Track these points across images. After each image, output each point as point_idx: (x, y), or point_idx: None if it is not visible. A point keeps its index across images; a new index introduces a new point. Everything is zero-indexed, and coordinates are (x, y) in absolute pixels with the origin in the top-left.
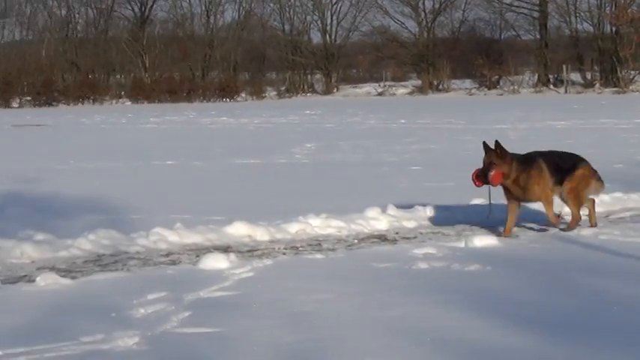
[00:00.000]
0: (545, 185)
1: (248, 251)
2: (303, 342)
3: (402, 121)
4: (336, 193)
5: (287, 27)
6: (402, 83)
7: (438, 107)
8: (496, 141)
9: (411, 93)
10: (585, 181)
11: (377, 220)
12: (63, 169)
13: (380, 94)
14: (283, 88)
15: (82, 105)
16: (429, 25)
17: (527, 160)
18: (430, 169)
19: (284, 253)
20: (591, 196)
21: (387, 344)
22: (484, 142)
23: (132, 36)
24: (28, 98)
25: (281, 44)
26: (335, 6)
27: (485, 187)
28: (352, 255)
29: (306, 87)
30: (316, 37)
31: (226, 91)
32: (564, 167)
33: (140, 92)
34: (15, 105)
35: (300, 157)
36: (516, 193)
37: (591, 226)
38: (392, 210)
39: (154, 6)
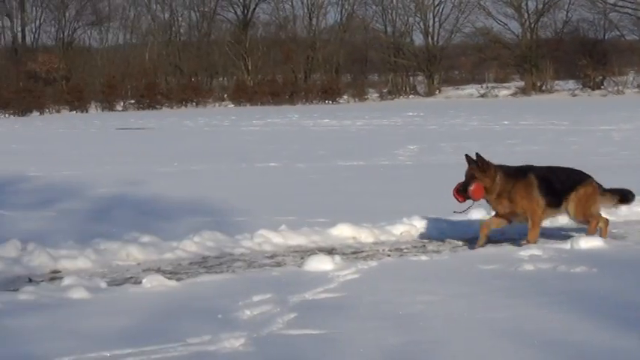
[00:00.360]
0: (533, 200)
1: (352, 253)
2: (408, 344)
3: (505, 122)
4: (439, 194)
5: (389, 29)
6: (505, 84)
7: (541, 108)
8: (477, 153)
9: (513, 94)
10: (590, 199)
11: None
12: (167, 171)
13: (482, 95)
14: (385, 90)
15: (185, 108)
16: (532, 25)
17: (516, 173)
18: None
19: (389, 255)
20: (603, 211)
21: (492, 346)
22: (466, 155)
23: (234, 39)
24: (132, 101)
25: (383, 46)
26: (437, 7)
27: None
28: (457, 257)
29: (408, 89)
30: (418, 39)
31: (328, 93)
32: (561, 188)
33: (243, 95)
34: (119, 108)
35: (403, 159)
36: (500, 210)
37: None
38: None
39: (257, 9)
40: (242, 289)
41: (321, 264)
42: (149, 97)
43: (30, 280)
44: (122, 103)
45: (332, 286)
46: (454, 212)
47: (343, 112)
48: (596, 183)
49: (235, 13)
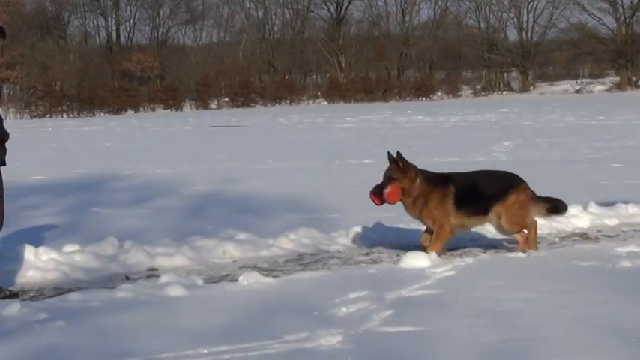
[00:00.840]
0: (445, 213)
1: (448, 250)
2: (506, 341)
3: (601, 117)
4: (535, 191)
5: (483, 25)
6: (600, 80)
7: (637, 104)
8: (397, 152)
9: (608, 89)
10: (521, 209)
11: (578, 218)
12: (262, 168)
13: (577, 91)
14: (479, 86)
15: (279, 105)
16: (627, 20)
17: (437, 181)
18: (631, 166)
19: (485, 252)
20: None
21: (592, 343)
22: (388, 153)
23: (328, 36)
24: (226, 99)
25: (477, 42)
26: (531, 3)
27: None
28: (554, 253)
29: (502, 85)
30: (512, 35)
31: (422, 89)
32: (489, 194)
33: (336, 92)
34: (213, 106)
35: (499, 155)
36: (414, 215)
37: (522, 248)
38: (593, 208)
39: (350, 6)
40: (338, 286)
41: (417, 261)
42: (243, 95)
43: (127, 278)
44: (216, 101)
45: (428, 282)
46: None
47: (437, 109)
48: (530, 190)
49: (329, 10)
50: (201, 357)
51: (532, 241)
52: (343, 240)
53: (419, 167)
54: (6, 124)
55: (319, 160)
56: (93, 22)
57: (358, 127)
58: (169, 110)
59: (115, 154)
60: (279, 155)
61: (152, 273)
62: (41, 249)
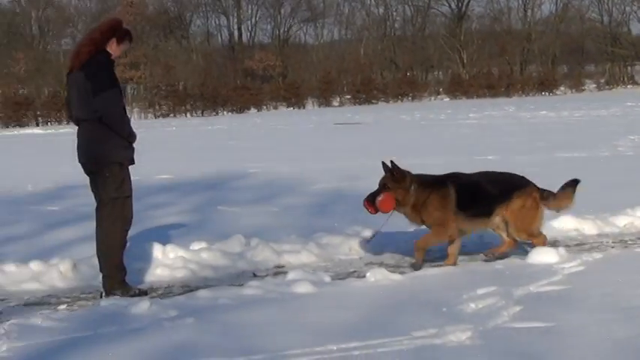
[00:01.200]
0: (446, 214)
1: (576, 245)
2: (638, 337)
3: None
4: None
5: (605, 18)
6: None
7: None
8: (391, 161)
9: None
10: (529, 213)
11: None
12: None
13: None
14: (603, 80)
15: (401, 102)
16: None
17: (433, 184)
18: None
19: (613, 247)
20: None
21: None
22: (382, 162)
23: (449, 32)
24: (348, 96)
25: (600, 36)
26: None
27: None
28: None
29: (626, 79)
30: (636, 29)
31: (545, 84)
32: (492, 193)
33: (458, 88)
34: (335, 103)
35: (624, 150)
36: (417, 222)
37: (488, 256)
38: None
39: (471, 1)
40: (466, 282)
41: (545, 256)
42: (365, 92)
43: (254, 275)
44: (338, 99)
45: (557, 278)
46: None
47: (560, 104)
48: (538, 191)
49: (449, 6)
50: (330, 353)
51: (501, 247)
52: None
53: (430, 173)
54: (131, 124)
55: (443, 156)
56: (215, 22)
57: (481, 123)
58: (292, 108)
59: (239, 152)
60: (402, 152)
61: (279, 270)
62: (169, 247)
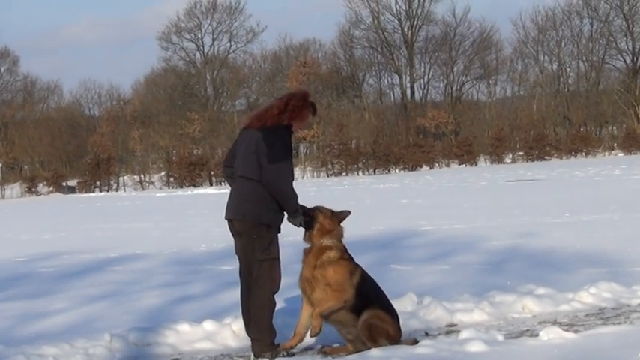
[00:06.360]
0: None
1: None
2: None
3: None
4: None
5: None
6: None
7: None
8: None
9: None
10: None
11: None
12: (559, 222)
13: None
14: None
15: (575, 158)
16: None
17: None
18: None
19: None
20: None
21: None
22: None
23: (623, 87)
24: (521, 153)
25: None
26: None
27: None
28: None
29: None
30: None
31: None
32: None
33: (633, 143)
34: (507, 160)
35: None
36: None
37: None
38: None
39: None
40: None
41: None
42: (538, 148)
43: (426, 334)
44: (510, 156)
45: None
46: None
47: None
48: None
49: (624, 61)
50: None
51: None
52: None
53: None
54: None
55: (617, 212)
56: (387, 80)
57: None
58: (464, 165)
59: (412, 210)
60: (576, 208)
61: (451, 329)
62: None
